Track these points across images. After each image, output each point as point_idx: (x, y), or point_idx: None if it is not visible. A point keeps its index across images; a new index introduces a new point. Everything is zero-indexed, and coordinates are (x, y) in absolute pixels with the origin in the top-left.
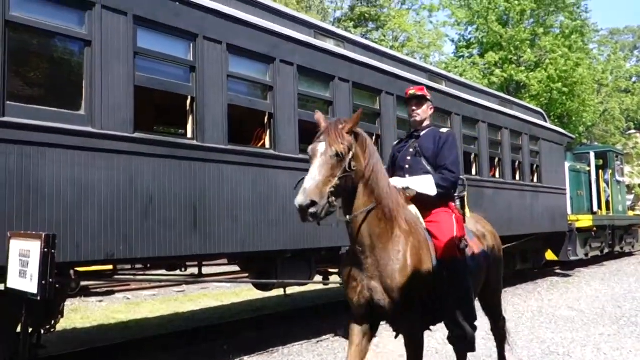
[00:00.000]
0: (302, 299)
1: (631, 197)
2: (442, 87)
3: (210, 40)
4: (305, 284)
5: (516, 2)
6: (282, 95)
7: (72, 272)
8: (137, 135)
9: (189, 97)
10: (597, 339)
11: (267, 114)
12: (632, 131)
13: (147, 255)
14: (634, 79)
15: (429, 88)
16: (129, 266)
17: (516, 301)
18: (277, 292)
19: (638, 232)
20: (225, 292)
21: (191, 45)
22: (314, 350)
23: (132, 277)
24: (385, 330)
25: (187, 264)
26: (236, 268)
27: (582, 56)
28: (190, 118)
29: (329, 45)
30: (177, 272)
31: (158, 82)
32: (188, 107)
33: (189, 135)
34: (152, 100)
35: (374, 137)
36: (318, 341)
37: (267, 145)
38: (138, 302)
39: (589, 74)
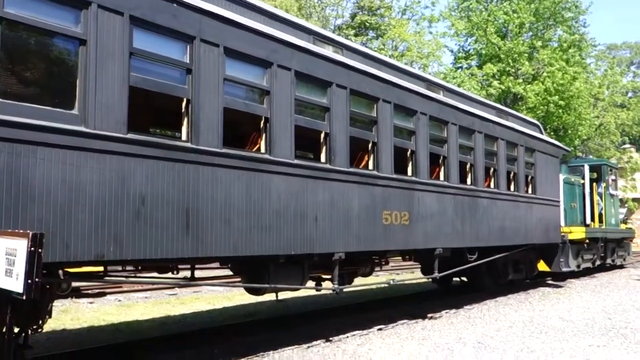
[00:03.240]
0: (294, 304)
1: (624, 210)
2: (440, 96)
3: (207, 43)
4: (298, 289)
5: (515, 15)
6: (279, 100)
7: (61, 272)
8: (130, 136)
9: (185, 100)
10: (586, 350)
11: (263, 118)
12: (627, 145)
13: (138, 257)
14: (629, 94)
15: (427, 97)
16: (119, 268)
17: (507, 311)
18: (270, 297)
19: (629, 245)
20: (218, 295)
21: (188, 47)
22: (304, 356)
23: (123, 278)
24: (375, 337)
25: (180, 266)
26: (229, 272)
27: (579, 70)
28: (185, 120)
29: (328, 51)
30: (170, 274)
31: (153, 83)
32: (183, 110)
33: (184, 137)
34: (146, 101)
35: (369, 145)
36: (309, 347)
37: (263, 149)
38: (129, 304)
39: (585, 87)
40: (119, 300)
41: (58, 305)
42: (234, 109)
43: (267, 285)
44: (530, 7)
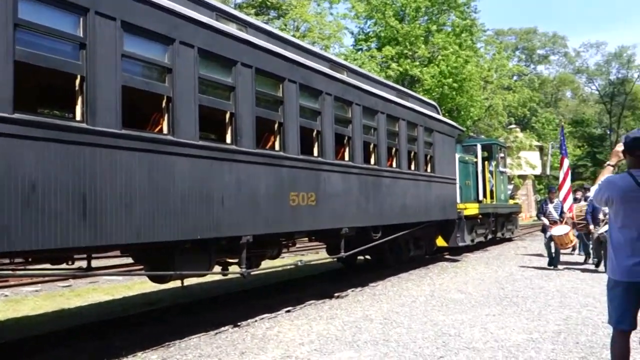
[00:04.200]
0: (200, 290)
1: (511, 187)
2: (344, 77)
3: (102, 16)
4: (205, 275)
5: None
6: (182, 79)
7: None
8: (17, 116)
9: (78, 77)
10: (484, 319)
11: (165, 97)
12: (513, 126)
13: (29, 248)
14: (515, 78)
15: (331, 78)
16: (7, 260)
17: (410, 286)
18: (174, 284)
19: (517, 219)
20: (117, 285)
21: (81, 19)
22: (212, 343)
23: (10, 272)
24: (284, 319)
25: (75, 256)
26: (129, 260)
27: (470, 54)
28: (80, 99)
29: (232, 29)
30: (64, 265)
31: (42, 59)
32: (77, 88)
33: (78, 117)
34: (36, 78)
35: (276, 125)
36: (217, 333)
37: (165, 130)
38: (17, 299)
39: (476, 71)
40: (5, 295)
41: None
42: (134, 87)
43: (172, 273)
44: None
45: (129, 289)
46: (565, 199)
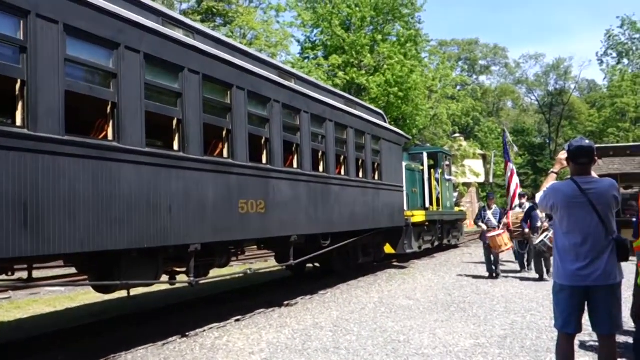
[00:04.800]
0: (147, 300)
1: (456, 194)
2: (292, 84)
3: (44, 19)
4: (152, 285)
5: (357, 9)
6: (128, 84)
7: None
8: None
9: (19, 81)
10: (432, 325)
11: (110, 103)
12: (457, 135)
13: None
14: (458, 87)
15: (280, 85)
16: None
17: (359, 293)
18: (120, 294)
19: (462, 226)
20: (59, 296)
21: (21, 22)
22: (160, 354)
23: None
24: (233, 328)
25: (15, 267)
26: (72, 270)
27: (415, 64)
28: (20, 104)
29: (179, 34)
30: (3, 276)
31: None
32: (17, 92)
33: (19, 123)
34: None
35: (224, 132)
36: (164, 343)
37: (110, 136)
38: None
39: (421, 80)
40: None
41: None
42: (78, 92)
43: (117, 282)
44: (371, 2)
45: (72, 300)
46: (512, 200)
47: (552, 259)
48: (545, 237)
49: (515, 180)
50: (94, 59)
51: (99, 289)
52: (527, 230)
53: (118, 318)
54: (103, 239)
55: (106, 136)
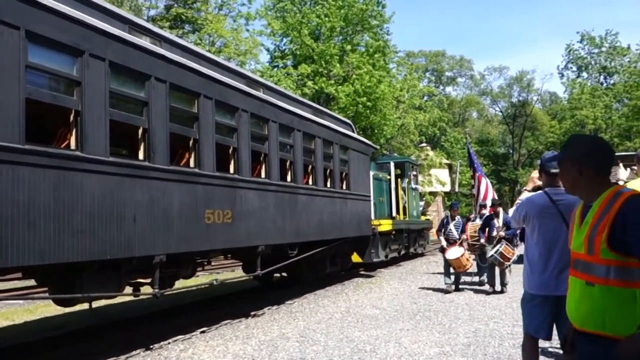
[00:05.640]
0: (110, 312)
1: (422, 203)
2: (260, 94)
3: (4, 24)
4: (114, 297)
5: (327, 19)
6: (92, 92)
7: None
8: None
9: None
10: (398, 334)
11: (73, 111)
12: (424, 144)
13: None
14: (425, 98)
15: (248, 94)
16: None
17: (326, 303)
18: (81, 306)
19: (428, 235)
20: (17, 309)
21: None
22: None
23: None
24: (199, 340)
25: None
26: (31, 282)
27: (383, 74)
28: None
29: (145, 42)
30: None
31: None
32: None
33: None
34: None
35: (191, 142)
36: (127, 357)
37: (73, 146)
38: None
39: (389, 90)
40: None
41: None
42: (39, 100)
43: (79, 295)
44: (340, 13)
45: (31, 312)
46: (484, 198)
47: (507, 272)
48: (496, 252)
49: (485, 180)
50: (56, 66)
51: (59, 302)
52: (482, 240)
53: (79, 331)
54: (64, 251)
55: (69, 145)
